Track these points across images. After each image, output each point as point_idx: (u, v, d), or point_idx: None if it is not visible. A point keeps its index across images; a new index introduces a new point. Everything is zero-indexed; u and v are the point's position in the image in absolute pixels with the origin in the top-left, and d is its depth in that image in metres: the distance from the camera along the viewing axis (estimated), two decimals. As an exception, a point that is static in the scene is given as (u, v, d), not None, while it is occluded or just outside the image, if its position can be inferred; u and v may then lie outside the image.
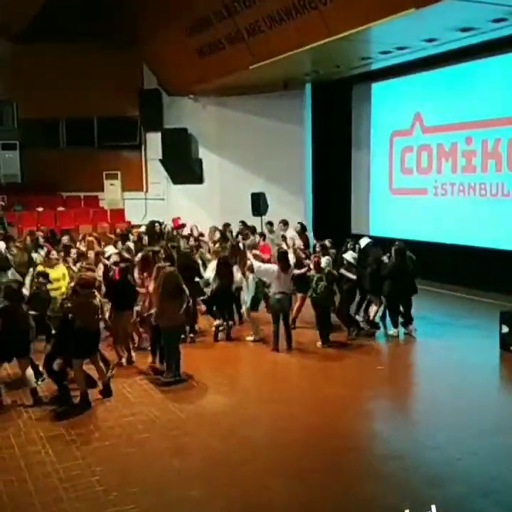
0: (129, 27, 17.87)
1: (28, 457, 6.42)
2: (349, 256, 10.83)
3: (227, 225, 14.60)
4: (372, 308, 11.13)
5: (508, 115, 13.52)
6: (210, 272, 11.02)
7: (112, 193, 19.78)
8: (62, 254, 11.10)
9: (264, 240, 13.80)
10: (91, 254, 11.55)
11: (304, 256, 11.28)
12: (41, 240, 12.63)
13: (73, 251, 11.26)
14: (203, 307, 11.57)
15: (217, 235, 13.54)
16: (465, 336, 10.86)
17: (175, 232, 14.58)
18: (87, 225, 17.72)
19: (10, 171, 18.96)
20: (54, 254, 10.67)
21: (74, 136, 19.91)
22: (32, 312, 8.17)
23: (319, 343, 10.24)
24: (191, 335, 10.57)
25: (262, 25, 13.55)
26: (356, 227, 17.94)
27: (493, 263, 13.58)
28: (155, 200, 19.74)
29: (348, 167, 18.36)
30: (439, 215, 15.30)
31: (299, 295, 11.07)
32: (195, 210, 17.90)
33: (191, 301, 9.88)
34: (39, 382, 8.20)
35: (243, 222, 14.76)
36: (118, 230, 15.01)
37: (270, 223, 15.12)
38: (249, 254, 10.81)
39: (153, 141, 19.57)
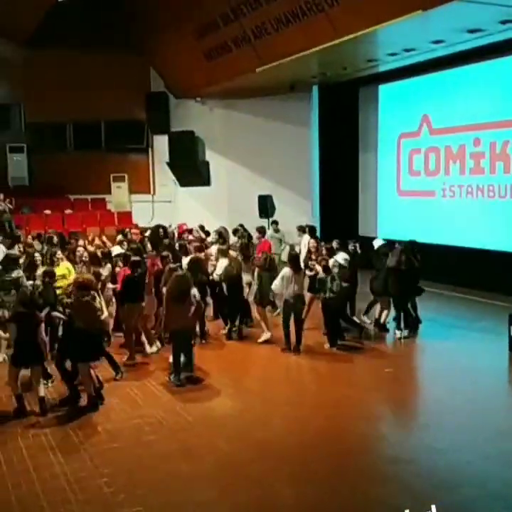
0: (136, 31, 17.96)
1: (35, 459, 6.42)
2: (340, 257, 10.77)
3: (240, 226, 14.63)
4: (384, 312, 11.08)
5: (516, 117, 13.50)
6: (219, 271, 11.06)
7: (119, 195, 19.83)
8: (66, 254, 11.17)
9: (263, 235, 13.79)
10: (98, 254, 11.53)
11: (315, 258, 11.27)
12: (55, 240, 12.66)
13: (80, 251, 11.26)
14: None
15: (214, 235, 13.54)
16: (474, 339, 10.81)
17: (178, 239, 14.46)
18: (95, 227, 17.75)
19: (18, 174, 19.06)
20: (59, 253, 10.69)
21: (81, 139, 19.99)
22: (59, 315, 8.22)
23: (327, 345, 10.21)
24: (203, 341, 10.55)
25: (268, 27, 13.57)
26: (364, 229, 17.91)
27: (502, 265, 13.52)
28: (162, 203, 19.77)
29: (356, 169, 18.35)
30: (447, 217, 15.25)
31: (309, 296, 11.00)
32: (202, 212, 17.91)
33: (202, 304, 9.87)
34: (49, 385, 8.21)
35: (242, 226, 14.71)
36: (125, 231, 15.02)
37: (275, 222, 15.14)
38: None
39: (161, 143, 19.61)
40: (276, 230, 15.06)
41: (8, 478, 6.03)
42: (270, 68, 14.34)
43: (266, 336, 10.58)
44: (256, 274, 10.85)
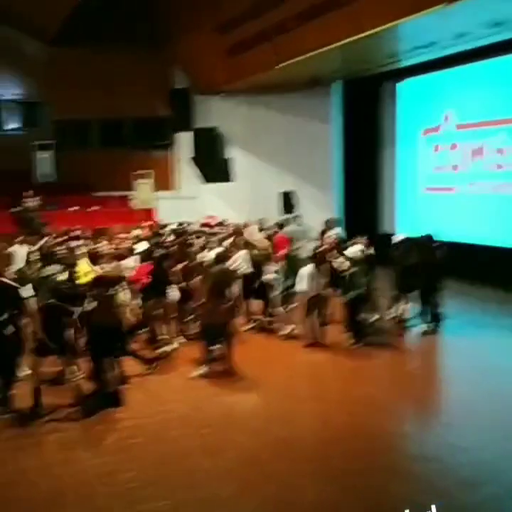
0: (160, 27, 18.06)
1: (62, 453, 6.59)
2: (354, 250, 10.72)
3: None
4: (404, 307, 11.06)
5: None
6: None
7: (143, 192, 19.95)
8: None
9: (280, 228, 13.72)
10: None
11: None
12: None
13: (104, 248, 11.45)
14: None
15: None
16: (498, 337, 10.71)
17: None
18: (119, 224, 17.92)
19: (44, 171, 19.32)
20: (82, 248, 10.88)
21: (106, 136, 20.18)
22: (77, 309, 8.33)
23: (350, 342, 10.25)
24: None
25: (290, 23, 13.56)
26: (384, 226, 17.85)
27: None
28: (186, 200, 19.88)
29: (377, 165, 18.28)
30: (469, 214, 15.12)
31: (330, 291, 10.99)
32: (225, 208, 17.99)
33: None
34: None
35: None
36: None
37: (298, 216, 15.19)
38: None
39: (184, 140, 19.71)
40: (299, 224, 15.05)
41: (35, 472, 6.20)
42: (291, 64, 14.34)
43: (287, 331, 10.64)
44: (279, 270, 10.85)
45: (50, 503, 5.65)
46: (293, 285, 10.49)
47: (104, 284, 8.10)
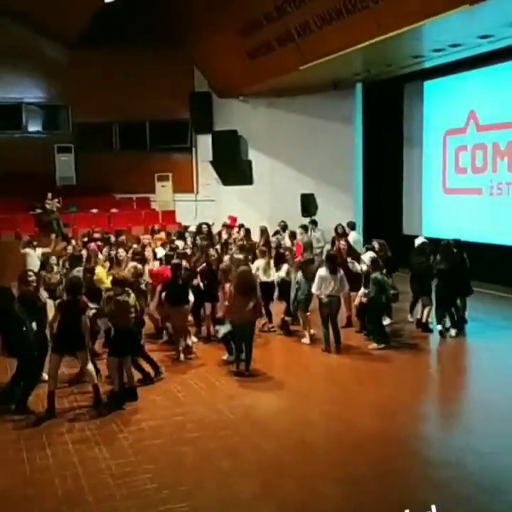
0: (180, 31, 18.10)
1: (81, 453, 6.56)
2: (366, 257, 10.62)
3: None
4: (425, 310, 10.92)
5: None
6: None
7: (163, 194, 20.04)
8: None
9: (294, 238, 13.59)
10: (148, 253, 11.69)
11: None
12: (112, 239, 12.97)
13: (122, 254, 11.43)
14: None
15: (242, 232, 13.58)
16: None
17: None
18: (139, 226, 17.99)
19: (65, 174, 19.46)
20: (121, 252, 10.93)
21: (127, 139, 20.32)
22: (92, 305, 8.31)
23: (373, 345, 10.11)
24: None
25: (312, 25, 13.50)
26: (408, 228, 17.68)
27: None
28: (205, 202, 19.90)
29: (400, 167, 18.13)
30: (494, 216, 14.91)
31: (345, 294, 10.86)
32: (245, 211, 17.95)
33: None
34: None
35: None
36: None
37: (313, 222, 15.07)
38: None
39: (204, 143, 19.74)
40: (314, 230, 14.95)
41: (55, 471, 6.17)
42: (314, 66, 14.28)
43: (305, 340, 10.55)
44: (296, 278, 10.72)
45: (68, 503, 5.60)
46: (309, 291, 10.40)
47: (120, 284, 8.07)
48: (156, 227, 15.01)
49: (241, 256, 10.48)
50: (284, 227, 14.63)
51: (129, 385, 8.03)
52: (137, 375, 8.40)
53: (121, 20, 17.63)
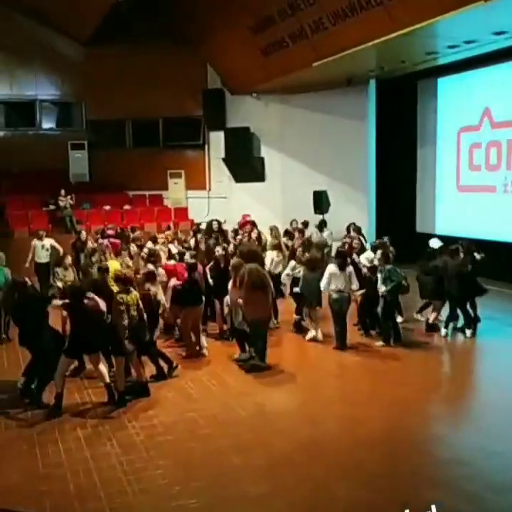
0: (193, 28, 18.11)
1: (93, 449, 6.60)
2: (363, 258, 10.56)
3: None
4: (434, 313, 10.84)
5: None
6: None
7: (175, 191, 20.08)
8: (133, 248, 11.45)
9: (290, 239, 13.37)
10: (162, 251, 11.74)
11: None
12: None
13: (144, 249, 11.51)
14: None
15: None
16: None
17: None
18: (152, 223, 18.05)
19: (79, 171, 19.54)
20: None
21: (140, 136, 20.37)
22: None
23: (380, 343, 10.10)
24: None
25: (325, 22, 13.46)
26: (421, 225, 17.60)
27: None
28: (218, 199, 19.92)
29: (414, 164, 18.03)
30: (508, 213, 14.79)
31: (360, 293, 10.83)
32: (257, 208, 17.96)
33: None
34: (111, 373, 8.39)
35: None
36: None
37: (322, 222, 15.02)
38: None
39: (216, 140, 19.77)
40: (321, 230, 14.91)
41: (67, 467, 6.22)
42: (327, 63, 14.23)
43: (311, 334, 10.53)
44: (302, 274, 10.69)
45: (80, 498, 5.64)
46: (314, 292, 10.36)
47: (122, 281, 8.06)
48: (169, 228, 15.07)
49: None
50: (306, 224, 14.59)
51: (139, 382, 8.05)
52: (149, 371, 8.44)
53: (134, 17, 17.69)
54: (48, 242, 13.35)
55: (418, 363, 9.46)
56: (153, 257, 10.35)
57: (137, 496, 5.66)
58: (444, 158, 17.02)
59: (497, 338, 10.55)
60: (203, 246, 12.13)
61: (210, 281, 10.59)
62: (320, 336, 10.45)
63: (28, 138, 19.48)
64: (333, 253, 12.74)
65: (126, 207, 19.07)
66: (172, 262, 10.99)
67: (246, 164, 18.99)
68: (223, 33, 17.12)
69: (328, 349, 10.05)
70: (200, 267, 10.28)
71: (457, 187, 16.70)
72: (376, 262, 10.37)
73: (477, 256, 10.71)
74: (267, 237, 13.08)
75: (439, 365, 9.67)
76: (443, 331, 10.56)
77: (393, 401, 7.90)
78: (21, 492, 5.80)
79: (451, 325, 10.66)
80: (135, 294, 8.02)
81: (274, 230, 13.39)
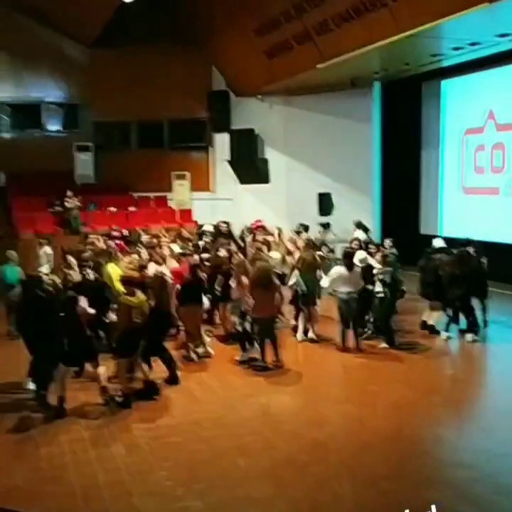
0: (198, 30, 18.16)
1: (98, 450, 6.62)
2: (355, 258, 10.52)
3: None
4: (434, 314, 10.83)
5: None
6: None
7: (180, 193, 20.10)
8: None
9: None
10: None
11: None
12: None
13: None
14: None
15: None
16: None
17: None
18: (157, 224, 18.07)
19: (84, 172, 19.57)
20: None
21: (145, 138, 20.40)
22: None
23: (383, 345, 10.10)
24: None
25: (330, 24, 13.49)
26: (425, 227, 17.59)
27: None
28: (222, 201, 19.94)
29: (418, 166, 18.03)
30: (512, 215, 14.80)
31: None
32: (261, 209, 17.97)
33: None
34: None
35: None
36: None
37: (323, 225, 14.99)
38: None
39: (221, 142, 19.78)
40: (326, 232, 14.89)
41: (72, 468, 6.24)
42: (331, 64, 14.26)
43: (301, 335, 10.56)
44: (296, 275, 10.67)
45: (84, 500, 5.66)
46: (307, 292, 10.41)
47: (128, 283, 8.09)
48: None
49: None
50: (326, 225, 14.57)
51: (147, 381, 8.07)
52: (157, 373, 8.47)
53: (140, 19, 17.77)
54: (48, 248, 13.33)
55: (422, 365, 9.46)
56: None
57: (142, 498, 5.68)
58: (448, 160, 17.02)
59: (501, 340, 10.55)
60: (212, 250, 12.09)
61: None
62: (313, 335, 10.45)
63: (34, 139, 19.53)
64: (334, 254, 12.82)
65: (132, 208, 19.10)
66: (174, 262, 10.99)
67: (250, 166, 19.01)
68: (228, 35, 17.16)
69: (332, 350, 10.07)
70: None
71: (461, 189, 16.69)
72: (375, 264, 10.36)
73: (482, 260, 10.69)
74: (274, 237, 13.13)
75: (442, 368, 9.66)
76: (444, 333, 10.54)
77: (397, 402, 7.91)
78: (26, 493, 5.82)
79: (453, 327, 10.64)
80: (141, 297, 8.02)
81: (279, 231, 13.44)
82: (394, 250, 11.59)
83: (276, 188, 18.90)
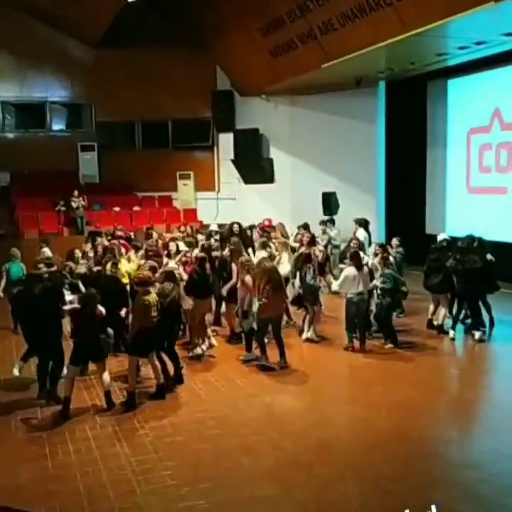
0: (202, 30, 18.16)
1: (102, 449, 6.61)
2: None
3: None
4: (441, 311, 10.78)
5: None
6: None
7: (185, 193, 20.12)
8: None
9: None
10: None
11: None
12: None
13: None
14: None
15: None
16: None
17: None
18: (161, 224, 18.08)
19: (88, 172, 19.63)
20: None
21: (149, 137, 20.44)
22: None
23: (389, 345, 10.06)
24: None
25: (335, 23, 13.45)
26: (431, 227, 17.52)
27: None
28: (226, 200, 19.94)
29: (424, 165, 17.98)
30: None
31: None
32: (266, 209, 17.95)
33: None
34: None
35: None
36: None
37: (323, 222, 14.95)
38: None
39: (225, 141, 19.79)
40: (324, 231, 14.84)
41: (77, 467, 6.23)
42: (336, 64, 14.23)
43: (306, 334, 10.54)
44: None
45: (89, 499, 5.65)
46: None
47: (141, 283, 8.06)
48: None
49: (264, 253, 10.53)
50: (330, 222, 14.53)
51: (157, 385, 8.05)
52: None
53: (144, 19, 17.78)
54: (47, 251, 13.32)
55: (427, 365, 9.41)
56: (152, 252, 10.46)
57: (146, 497, 5.66)
58: (454, 159, 16.96)
59: (508, 340, 10.49)
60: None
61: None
62: (313, 335, 10.44)
63: (38, 139, 19.58)
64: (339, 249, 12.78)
65: (136, 208, 19.13)
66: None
67: (255, 165, 19.01)
68: (232, 34, 17.14)
69: (337, 350, 10.03)
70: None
71: (467, 188, 16.63)
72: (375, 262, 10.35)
73: (488, 257, 10.63)
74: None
75: (448, 367, 9.62)
76: (451, 332, 10.50)
77: (403, 403, 7.87)
78: (31, 492, 5.82)
79: (459, 327, 10.59)
80: (154, 295, 8.02)
81: (280, 227, 13.40)
82: (400, 249, 11.57)
83: (280, 187, 18.88)
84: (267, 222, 15.79)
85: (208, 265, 9.90)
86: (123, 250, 11.42)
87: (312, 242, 11.48)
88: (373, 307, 10.38)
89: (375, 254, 10.69)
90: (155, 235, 13.20)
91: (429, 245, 11.39)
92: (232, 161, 19.26)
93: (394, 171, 18.02)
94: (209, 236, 13.49)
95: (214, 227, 14.65)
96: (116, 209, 18.57)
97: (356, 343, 9.94)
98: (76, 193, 17.64)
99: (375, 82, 17.51)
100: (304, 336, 10.54)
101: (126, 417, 7.46)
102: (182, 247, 11.75)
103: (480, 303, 10.49)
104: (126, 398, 7.80)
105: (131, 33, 17.87)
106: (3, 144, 19.16)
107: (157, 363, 8.10)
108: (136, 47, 18.33)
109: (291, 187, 18.71)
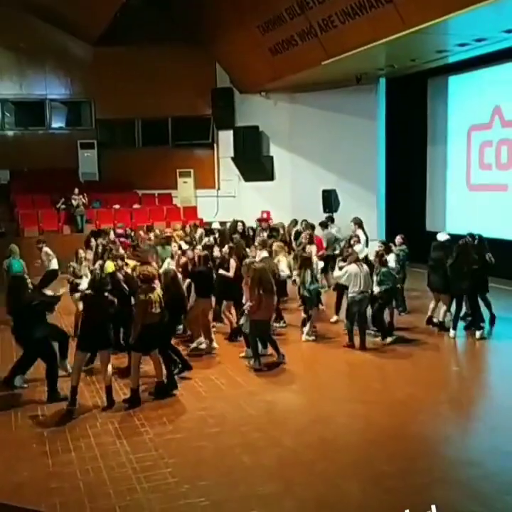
0: (202, 27, 18.13)
1: (103, 447, 6.61)
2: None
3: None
4: (442, 309, 10.76)
5: None
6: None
7: (185, 190, 20.11)
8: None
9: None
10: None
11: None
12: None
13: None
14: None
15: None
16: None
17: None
18: (161, 222, 18.07)
19: (88, 170, 19.62)
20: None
21: (149, 135, 20.42)
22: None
23: (389, 340, 10.07)
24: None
25: (335, 20, 13.43)
26: (431, 224, 17.51)
27: None
28: (226, 198, 19.93)
29: (424, 162, 17.95)
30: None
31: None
32: (266, 207, 17.96)
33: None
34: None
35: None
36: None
37: (327, 222, 14.95)
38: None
39: (226, 139, 19.77)
40: (331, 227, 14.83)
41: (77, 465, 6.23)
42: (336, 61, 14.20)
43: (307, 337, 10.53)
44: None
45: (89, 496, 5.65)
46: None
47: (145, 280, 8.05)
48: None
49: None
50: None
51: (163, 378, 8.05)
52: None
53: (143, 17, 17.76)
54: (47, 249, 13.31)
55: (427, 363, 9.42)
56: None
57: (146, 494, 5.66)
58: (455, 156, 16.94)
59: (508, 338, 10.48)
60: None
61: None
62: (309, 336, 10.43)
63: (38, 137, 19.57)
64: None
65: (136, 206, 19.12)
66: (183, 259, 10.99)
67: (255, 163, 19.00)
68: (232, 31, 17.11)
69: (337, 348, 10.02)
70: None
71: (468, 185, 16.61)
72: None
73: (488, 257, 10.61)
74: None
75: (448, 365, 9.61)
76: (452, 332, 10.48)
77: (403, 400, 7.88)
78: (31, 489, 5.82)
79: (460, 325, 10.58)
80: (158, 291, 8.02)
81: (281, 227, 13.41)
82: (404, 247, 11.55)
83: (281, 185, 18.88)
84: (265, 215, 15.80)
85: (210, 263, 9.91)
86: (121, 251, 11.41)
87: (311, 240, 11.47)
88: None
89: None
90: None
91: (429, 242, 11.38)
92: (232, 158, 19.25)
93: (394, 168, 18.01)
94: (208, 233, 13.50)
95: (216, 225, 14.65)
96: (116, 207, 18.56)
97: (356, 341, 9.94)
98: (77, 190, 17.64)
99: (376, 79, 17.49)
100: (304, 338, 10.50)
101: (127, 415, 7.46)
102: (184, 247, 11.74)
103: (479, 299, 10.47)
104: (130, 395, 7.79)
105: (130, 30, 17.84)
106: (3, 142, 19.17)
107: (160, 358, 8.09)
108: (136, 44, 18.30)
109: (291, 184, 18.70)
